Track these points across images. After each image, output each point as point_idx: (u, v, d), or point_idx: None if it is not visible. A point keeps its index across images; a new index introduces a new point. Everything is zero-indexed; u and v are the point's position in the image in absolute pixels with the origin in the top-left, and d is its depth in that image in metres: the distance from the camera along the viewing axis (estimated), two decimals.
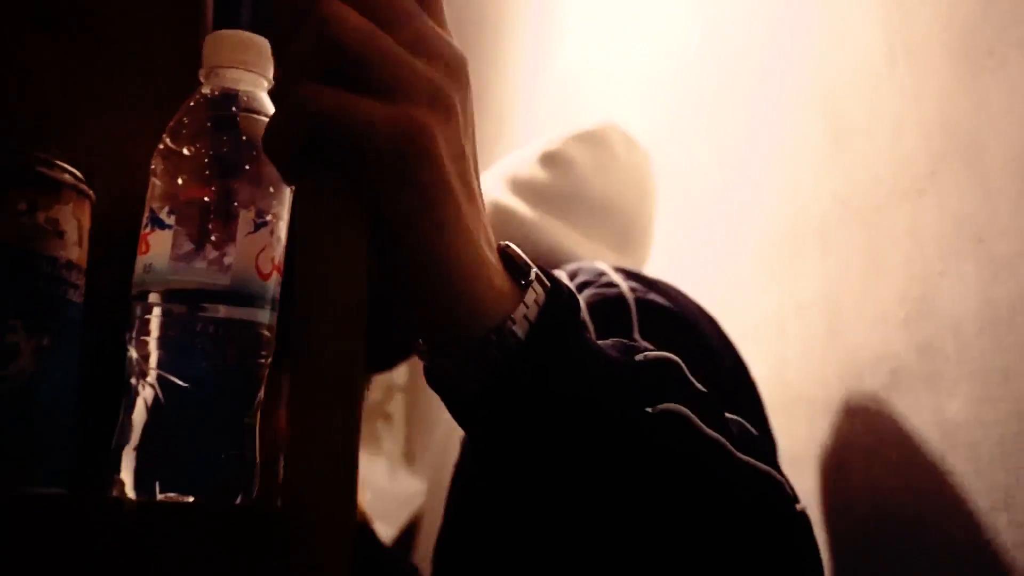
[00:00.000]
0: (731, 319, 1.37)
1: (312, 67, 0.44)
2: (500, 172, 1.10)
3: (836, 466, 1.11)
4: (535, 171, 1.08)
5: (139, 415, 0.49)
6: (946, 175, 0.96)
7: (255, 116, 0.54)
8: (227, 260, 0.50)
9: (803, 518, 0.59)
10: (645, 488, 0.53)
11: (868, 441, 1.05)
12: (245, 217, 0.52)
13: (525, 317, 0.50)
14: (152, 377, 0.49)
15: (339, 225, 0.45)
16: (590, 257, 1.02)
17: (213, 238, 0.51)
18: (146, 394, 0.49)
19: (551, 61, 2.41)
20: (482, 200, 0.51)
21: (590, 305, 0.82)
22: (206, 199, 0.51)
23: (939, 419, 0.94)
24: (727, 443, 0.58)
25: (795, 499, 0.59)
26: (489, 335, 0.49)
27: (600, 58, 2.06)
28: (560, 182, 1.06)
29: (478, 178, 0.51)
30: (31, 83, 0.68)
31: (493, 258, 0.51)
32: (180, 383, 0.49)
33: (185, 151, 0.52)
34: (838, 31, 1.17)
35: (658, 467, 0.54)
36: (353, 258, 0.45)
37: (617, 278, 0.86)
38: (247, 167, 0.52)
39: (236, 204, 0.52)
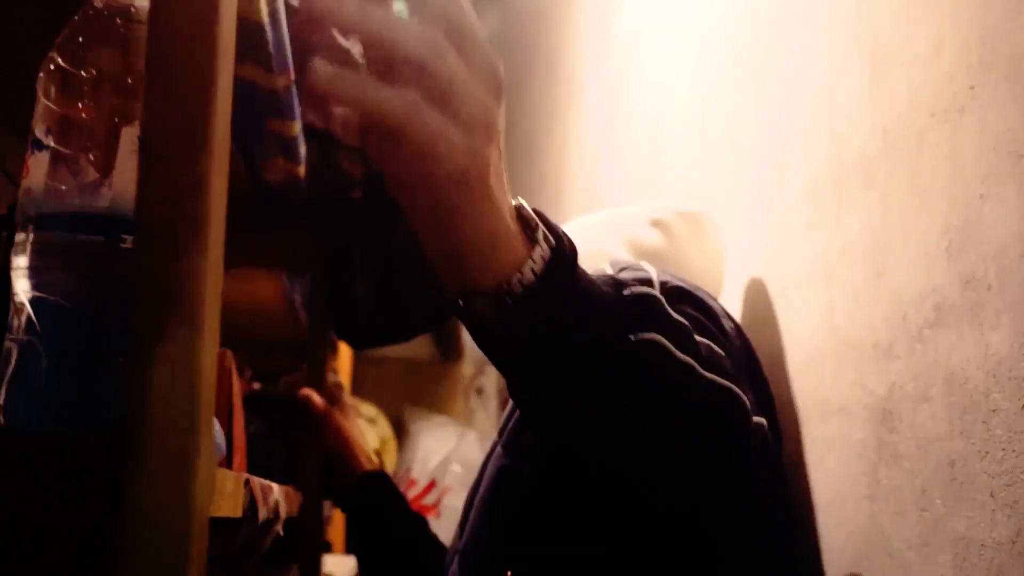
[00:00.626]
0: (779, 269, 1.30)
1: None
2: (615, 231, 1.25)
3: (882, 413, 1.03)
4: (647, 233, 1.25)
5: (15, 340, 0.46)
6: (986, 89, 0.88)
7: (143, 28, 0.50)
8: (107, 181, 0.47)
9: (759, 429, 0.77)
10: (625, 400, 0.70)
11: (913, 385, 0.97)
12: (128, 135, 0.48)
13: (532, 270, 0.63)
14: (27, 301, 0.46)
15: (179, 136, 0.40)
16: None
17: (92, 158, 0.47)
18: (22, 318, 0.46)
19: (613, 25, 2.38)
20: (508, 183, 0.63)
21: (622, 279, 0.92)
22: (85, 117, 0.48)
23: (983, 354, 0.86)
24: (696, 364, 0.74)
25: (752, 412, 0.76)
26: (507, 279, 0.63)
27: (655, 19, 2.03)
28: (667, 247, 1.25)
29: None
30: None
31: (513, 226, 0.63)
32: (55, 308, 0.45)
33: (69, 67, 0.48)
34: None
35: (637, 383, 0.71)
36: (199, 169, 0.40)
37: (653, 270, 0.97)
38: (131, 82, 0.48)
39: (118, 122, 0.48)
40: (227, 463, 1.14)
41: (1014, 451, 0.82)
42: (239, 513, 0.79)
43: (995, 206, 0.86)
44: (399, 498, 1.54)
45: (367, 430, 3.09)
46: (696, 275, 1.18)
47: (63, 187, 0.46)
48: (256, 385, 2.00)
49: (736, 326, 1.03)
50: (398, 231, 1.51)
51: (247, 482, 0.82)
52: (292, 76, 1.06)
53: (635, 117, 2.14)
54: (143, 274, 0.38)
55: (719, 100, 1.60)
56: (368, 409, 3.22)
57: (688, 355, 0.73)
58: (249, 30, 0.93)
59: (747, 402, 0.76)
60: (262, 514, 0.89)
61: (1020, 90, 0.84)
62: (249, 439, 1.64)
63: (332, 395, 1.57)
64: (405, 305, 1.55)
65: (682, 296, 0.95)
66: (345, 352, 2.92)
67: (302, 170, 1.31)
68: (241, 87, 1.05)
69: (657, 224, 1.26)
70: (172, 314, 0.38)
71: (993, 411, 0.85)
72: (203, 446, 0.39)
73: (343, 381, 2.96)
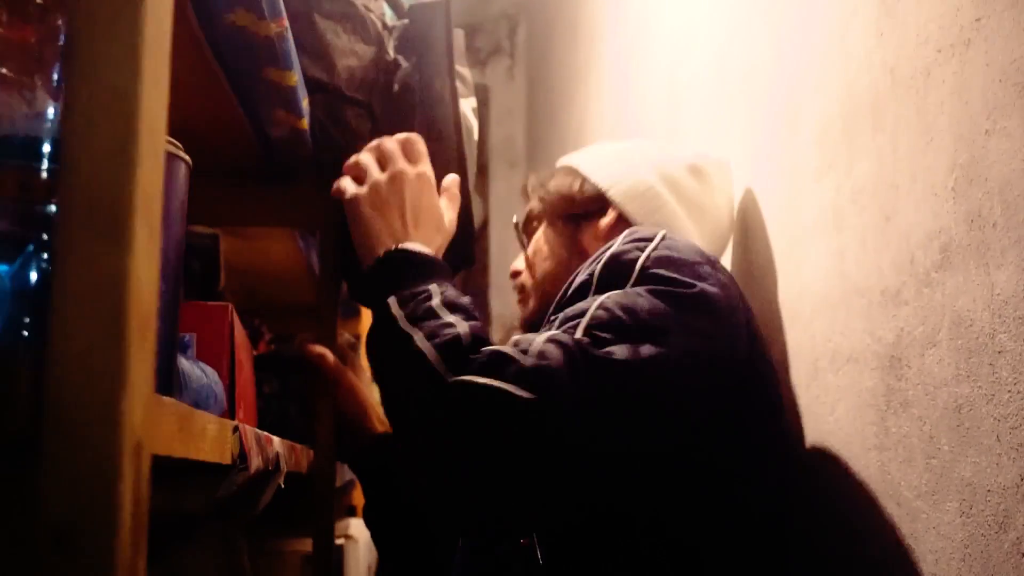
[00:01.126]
0: (792, 216, 1.27)
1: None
2: (659, 170, 1.38)
3: (890, 360, 1.00)
4: (684, 176, 1.38)
5: None
6: (992, 20, 0.85)
7: None
8: (53, 106, 0.45)
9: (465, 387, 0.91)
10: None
11: (921, 330, 0.95)
12: None
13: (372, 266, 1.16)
14: None
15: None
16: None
17: (40, 83, 0.46)
18: None
19: None
20: (401, 216, 1.21)
21: (613, 255, 1.06)
22: (32, 40, 0.46)
23: (989, 295, 0.83)
24: (415, 335, 1.00)
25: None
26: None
27: None
28: (699, 192, 1.38)
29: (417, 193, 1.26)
30: None
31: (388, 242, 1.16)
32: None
33: None
34: None
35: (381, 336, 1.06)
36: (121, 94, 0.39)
37: (649, 248, 1.06)
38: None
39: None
40: (230, 416, 1.14)
41: (1020, 392, 0.79)
42: (226, 459, 0.79)
43: (1000, 141, 0.83)
44: None
45: None
46: (720, 219, 1.41)
47: (15, 112, 0.45)
48: (272, 346, 1.99)
49: (727, 280, 1.07)
50: None
51: (235, 429, 0.81)
52: (285, 23, 1.04)
53: (652, 72, 2.10)
54: (64, 191, 0.37)
55: (735, 49, 1.56)
56: None
57: (414, 326, 1.01)
58: None
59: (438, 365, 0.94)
60: (254, 463, 0.88)
61: None
62: (265, 399, 1.64)
63: (343, 355, 1.55)
64: None
65: (666, 263, 1.04)
66: (367, 315, 2.90)
67: (305, 123, 1.29)
68: (233, 33, 1.04)
69: (694, 170, 1.39)
70: (93, 230, 0.36)
71: (999, 352, 0.82)
72: (133, 369, 0.38)
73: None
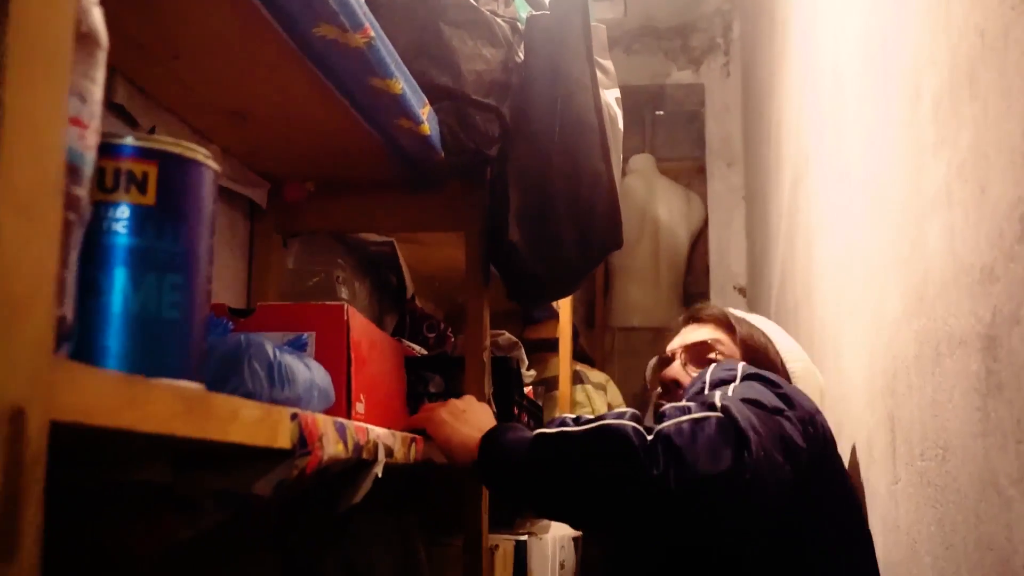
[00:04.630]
0: (914, 193, 1.21)
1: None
2: (775, 358, 1.60)
3: (988, 341, 0.94)
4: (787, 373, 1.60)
5: None
6: None
7: None
8: None
9: (660, 481, 1.15)
10: (549, 484, 1.27)
11: (1009, 308, 0.88)
12: None
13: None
14: None
15: None
16: None
17: None
18: None
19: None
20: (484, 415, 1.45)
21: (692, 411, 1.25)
22: None
23: None
24: (568, 427, 1.28)
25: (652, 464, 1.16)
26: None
27: None
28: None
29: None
30: None
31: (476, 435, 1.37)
32: None
33: None
34: None
35: (545, 471, 1.27)
36: None
37: (740, 367, 1.43)
38: None
39: None
40: (346, 410, 1.20)
41: None
42: (280, 444, 0.84)
43: None
44: None
45: (595, 396, 3.10)
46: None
47: None
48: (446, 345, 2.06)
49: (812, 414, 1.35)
50: (549, 177, 1.51)
51: (294, 416, 0.86)
52: (371, 32, 1.09)
53: (821, 62, 2.03)
54: None
55: (875, 28, 1.50)
56: (597, 376, 3.23)
57: (559, 426, 1.28)
58: None
59: (628, 431, 1.19)
60: (329, 451, 0.93)
61: None
62: (431, 397, 1.71)
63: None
64: (560, 251, 1.55)
65: (756, 376, 1.38)
66: (567, 318, 2.93)
67: (426, 128, 1.34)
68: (327, 46, 1.10)
69: (792, 372, 1.60)
70: None
71: None
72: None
73: (567, 345, 2.98)
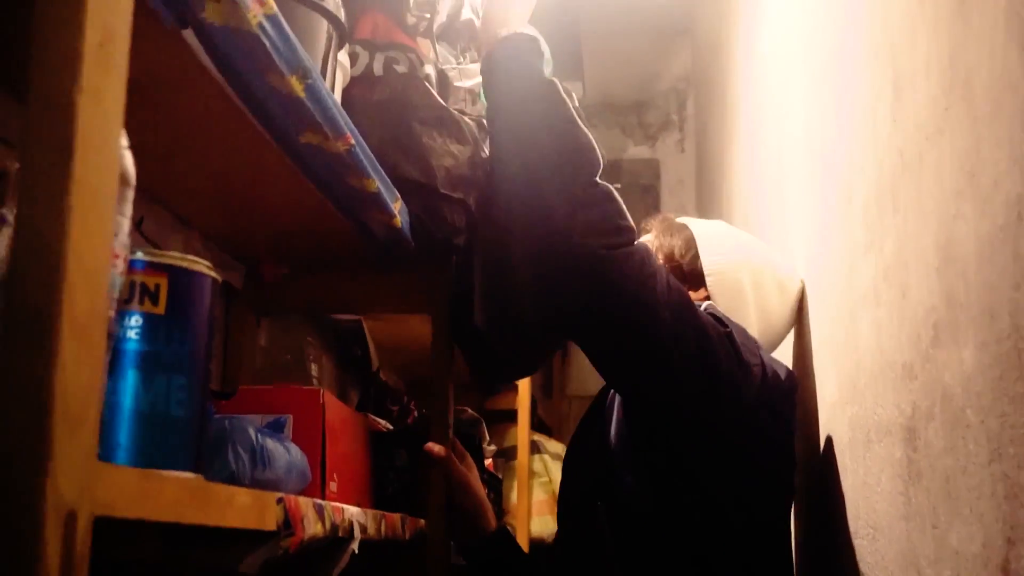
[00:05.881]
0: (848, 289, 1.31)
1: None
2: (754, 265, 1.57)
3: (909, 432, 1.04)
4: (771, 289, 1.58)
5: None
6: (957, 110, 0.90)
7: None
8: None
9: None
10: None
11: (925, 404, 0.98)
12: None
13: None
14: None
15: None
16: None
17: None
18: None
19: (756, 52, 2.39)
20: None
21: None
22: None
23: (960, 371, 0.87)
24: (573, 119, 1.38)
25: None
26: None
27: (777, 46, 2.03)
28: (776, 305, 1.58)
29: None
30: None
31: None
32: None
33: None
34: None
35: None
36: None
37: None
38: None
39: None
40: (320, 489, 1.28)
41: (983, 465, 0.83)
42: (267, 526, 0.92)
43: (961, 225, 0.87)
44: (525, 557, 1.65)
45: (552, 467, 3.16)
46: (776, 331, 1.61)
47: None
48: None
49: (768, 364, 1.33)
50: (507, 266, 1.61)
51: (280, 500, 0.94)
52: (351, 139, 1.19)
53: (766, 143, 2.16)
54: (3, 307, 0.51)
55: (815, 125, 1.62)
56: (555, 446, 3.31)
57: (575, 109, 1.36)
58: (293, 104, 1.06)
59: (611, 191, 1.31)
60: (310, 530, 1.01)
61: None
62: (396, 471, 1.78)
63: (458, 450, 1.65)
64: (524, 331, 1.63)
65: (743, 335, 1.34)
66: (525, 388, 3.03)
67: (398, 221, 1.43)
68: (311, 151, 1.19)
69: (780, 287, 1.59)
70: (23, 340, 0.50)
71: (967, 427, 0.86)
72: (58, 448, 0.51)
73: (525, 415, 3.07)
